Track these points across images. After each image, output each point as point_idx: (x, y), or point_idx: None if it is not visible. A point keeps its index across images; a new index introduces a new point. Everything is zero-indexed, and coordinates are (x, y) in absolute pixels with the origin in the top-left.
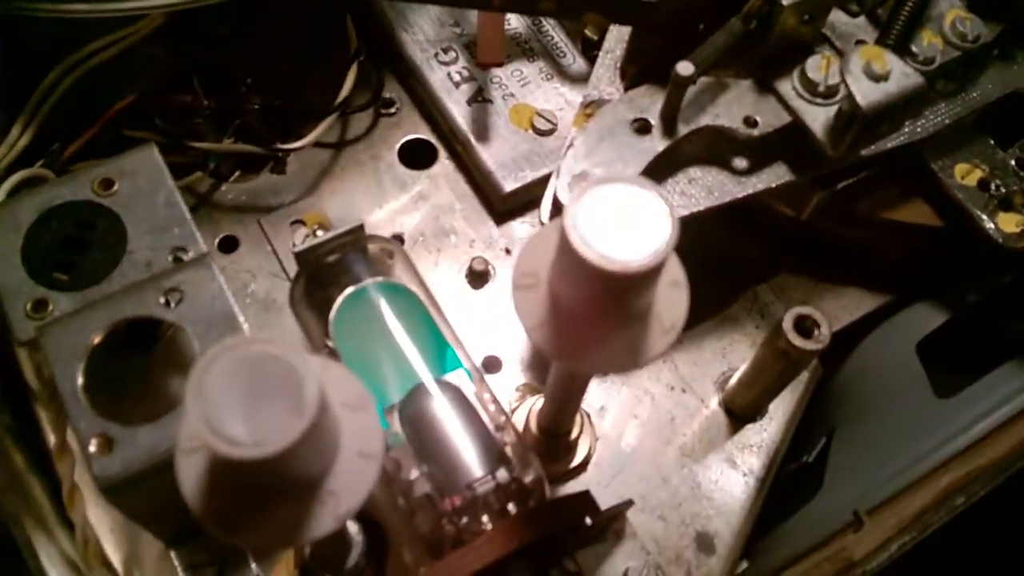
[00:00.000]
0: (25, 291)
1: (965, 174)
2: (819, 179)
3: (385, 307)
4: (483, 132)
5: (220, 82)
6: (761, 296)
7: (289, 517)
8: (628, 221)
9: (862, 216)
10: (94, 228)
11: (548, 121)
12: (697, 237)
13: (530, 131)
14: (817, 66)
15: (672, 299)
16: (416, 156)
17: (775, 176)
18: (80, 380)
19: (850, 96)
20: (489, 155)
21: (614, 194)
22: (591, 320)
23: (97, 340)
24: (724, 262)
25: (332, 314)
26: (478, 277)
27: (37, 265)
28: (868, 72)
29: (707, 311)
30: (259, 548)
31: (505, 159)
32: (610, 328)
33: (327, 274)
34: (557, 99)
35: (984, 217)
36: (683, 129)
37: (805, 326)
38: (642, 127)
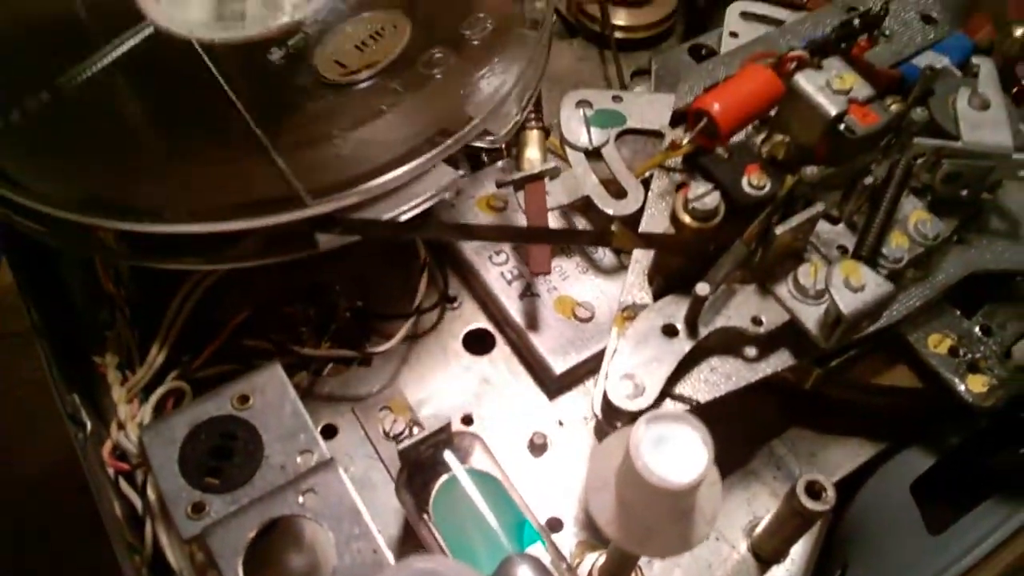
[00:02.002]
0: (184, 496)
1: (937, 343)
2: (816, 360)
3: (473, 491)
4: (533, 322)
5: (317, 292)
6: (776, 450)
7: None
8: (677, 450)
9: (855, 382)
10: (236, 438)
11: (587, 309)
12: (720, 404)
13: (572, 319)
14: (807, 273)
15: (710, 495)
16: (477, 343)
17: (780, 361)
18: (241, 572)
19: (835, 305)
20: (540, 342)
21: (665, 430)
22: (651, 519)
23: (252, 536)
24: (744, 422)
25: (431, 499)
26: (538, 448)
27: (192, 473)
28: (847, 285)
29: (731, 466)
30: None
31: (554, 345)
32: (666, 524)
33: (424, 464)
34: (593, 289)
35: (956, 380)
36: (703, 331)
37: (814, 490)
38: (670, 331)
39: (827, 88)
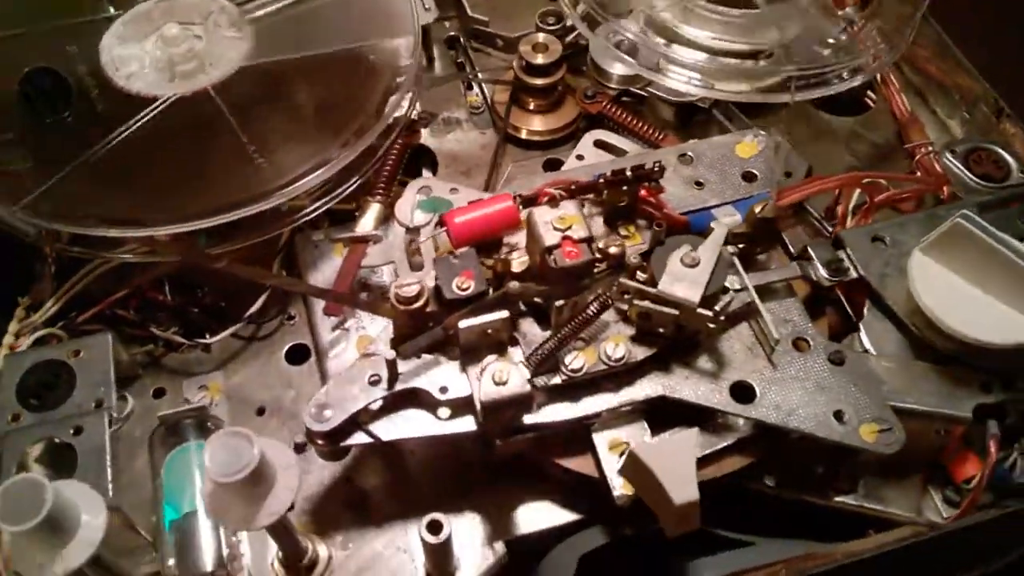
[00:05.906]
0: (8, 407)
1: (614, 446)
2: (498, 433)
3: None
4: (333, 348)
5: (185, 287)
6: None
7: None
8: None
9: (539, 458)
10: (60, 377)
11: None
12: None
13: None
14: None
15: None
16: (297, 355)
17: (465, 425)
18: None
19: (477, 391)
20: (333, 364)
21: (236, 443)
22: (228, 499)
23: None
24: (455, 477)
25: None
26: (299, 447)
27: (23, 393)
28: (493, 378)
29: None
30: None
31: (340, 368)
32: (237, 504)
33: (178, 429)
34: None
35: (613, 479)
36: (399, 386)
37: (435, 526)
38: (375, 381)
39: (550, 224)
